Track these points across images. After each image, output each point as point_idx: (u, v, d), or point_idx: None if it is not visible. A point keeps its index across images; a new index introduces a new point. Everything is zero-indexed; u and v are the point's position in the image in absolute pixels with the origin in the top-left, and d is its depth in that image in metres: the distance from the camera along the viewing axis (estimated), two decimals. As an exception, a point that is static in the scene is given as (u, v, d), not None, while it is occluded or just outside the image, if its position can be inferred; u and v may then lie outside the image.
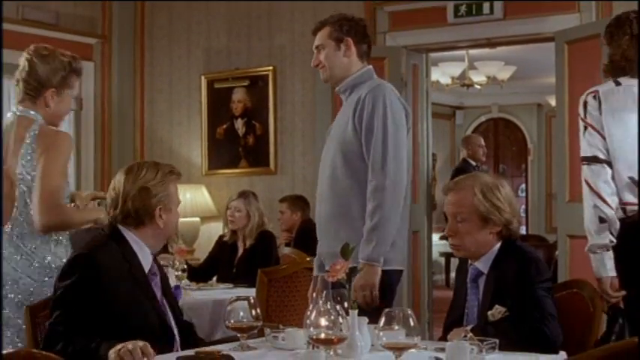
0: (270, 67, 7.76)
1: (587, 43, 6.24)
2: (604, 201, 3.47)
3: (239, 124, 7.94)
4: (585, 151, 3.57)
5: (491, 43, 7.52)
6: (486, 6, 6.88)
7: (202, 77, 8.10)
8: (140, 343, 2.54)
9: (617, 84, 3.61)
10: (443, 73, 10.34)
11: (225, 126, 8.00)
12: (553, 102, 13.46)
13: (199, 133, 8.15)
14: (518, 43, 7.51)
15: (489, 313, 2.96)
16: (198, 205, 7.87)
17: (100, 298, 2.83)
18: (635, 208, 3.47)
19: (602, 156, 3.53)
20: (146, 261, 3.02)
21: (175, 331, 3.04)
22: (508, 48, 8.61)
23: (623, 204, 3.50)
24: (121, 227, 3.01)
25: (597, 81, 6.09)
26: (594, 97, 3.61)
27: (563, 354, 2.71)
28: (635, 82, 3.57)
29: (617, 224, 3.48)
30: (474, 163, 8.86)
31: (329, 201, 3.56)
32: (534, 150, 14.00)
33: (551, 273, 2.98)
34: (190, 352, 2.76)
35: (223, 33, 8.04)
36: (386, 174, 3.38)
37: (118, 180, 3.03)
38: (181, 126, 8.29)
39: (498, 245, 3.09)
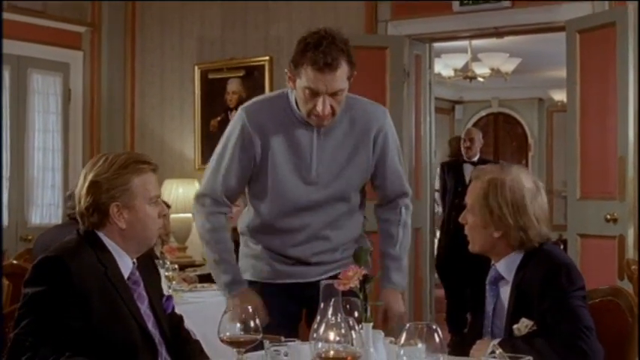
0: (267, 57, 7.51)
1: (600, 32, 6.00)
2: None
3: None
4: None
5: (498, 33, 7.21)
6: (493, -7, 6.59)
7: (196, 67, 7.85)
8: None
9: None
10: (445, 65, 10.06)
11: (219, 118, 7.75)
12: (555, 96, 13.31)
13: (192, 125, 7.89)
14: (527, 33, 7.20)
15: (515, 327, 2.62)
16: (191, 200, 7.55)
17: (71, 305, 2.49)
18: None
19: None
20: (125, 266, 2.68)
21: (157, 341, 2.70)
22: (512, 39, 8.34)
23: None
24: (95, 230, 2.66)
25: (610, 73, 5.92)
26: None
27: (603, 372, 2.41)
28: None
29: None
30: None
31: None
32: (535, 145, 13.87)
33: (583, 280, 2.65)
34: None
35: (218, 22, 7.78)
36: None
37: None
38: (174, 118, 8.03)
39: (523, 250, 2.76)
